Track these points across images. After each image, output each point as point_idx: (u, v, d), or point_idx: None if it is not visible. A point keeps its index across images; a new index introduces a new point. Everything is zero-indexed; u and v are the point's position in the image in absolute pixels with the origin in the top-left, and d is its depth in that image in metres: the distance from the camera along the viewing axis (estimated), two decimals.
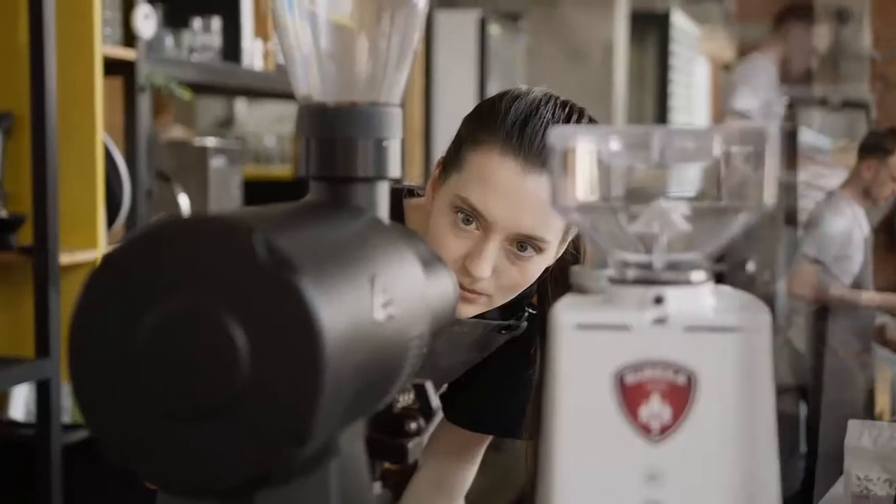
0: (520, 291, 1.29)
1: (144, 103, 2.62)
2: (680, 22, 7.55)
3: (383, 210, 0.81)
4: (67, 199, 2.41)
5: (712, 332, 0.66)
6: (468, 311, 1.28)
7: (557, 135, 0.69)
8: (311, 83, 0.81)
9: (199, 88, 3.13)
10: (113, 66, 2.58)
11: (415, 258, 0.77)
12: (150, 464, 0.62)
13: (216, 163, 2.97)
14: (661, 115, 7.46)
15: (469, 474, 1.54)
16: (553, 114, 1.25)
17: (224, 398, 0.60)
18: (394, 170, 0.81)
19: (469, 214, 1.23)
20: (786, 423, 4.73)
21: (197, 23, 2.96)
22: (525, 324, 1.41)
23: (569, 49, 5.48)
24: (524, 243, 1.24)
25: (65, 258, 2.38)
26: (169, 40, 2.88)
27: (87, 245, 2.47)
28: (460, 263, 1.24)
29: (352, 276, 0.66)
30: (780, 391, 5.09)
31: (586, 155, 0.70)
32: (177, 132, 4.12)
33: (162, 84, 2.58)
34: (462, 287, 1.24)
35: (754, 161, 0.68)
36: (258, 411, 0.60)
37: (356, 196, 0.80)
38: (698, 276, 0.69)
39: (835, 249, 4.09)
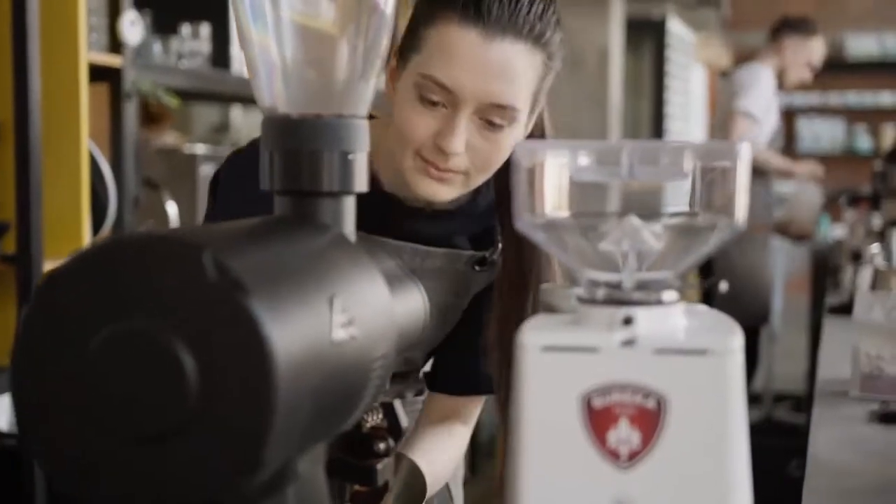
0: (494, 169, 1.27)
1: (131, 110, 2.60)
2: (676, 28, 7.53)
3: (349, 225, 0.79)
4: (52, 206, 2.39)
5: (683, 354, 0.64)
6: (446, 192, 1.26)
7: (523, 150, 0.67)
8: (275, 94, 0.79)
9: (188, 95, 3.10)
10: (99, 73, 2.56)
11: (380, 275, 0.75)
12: (95, 489, 0.59)
13: (206, 170, 2.94)
14: (658, 122, 7.45)
15: (463, 440, 1.48)
16: None
17: (172, 423, 0.57)
18: (360, 184, 0.79)
19: (434, 92, 1.21)
20: None
21: (185, 29, 2.94)
22: (498, 259, 1.39)
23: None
24: (493, 120, 1.22)
25: (49, 266, 2.36)
26: (157, 46, 2.86)
27: (72, 253, 2.44)
28: (431, 143, 1.23)
29: (309, 295, 0.63)
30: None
31: (554, 170, 0.68)
32: (170, 138, 4.10)
33: (148, 91, 2.56)
34: (437, 167, 1.23)
35: (726, 178, 0.66)
36: (208, 437, 0.57)
37: (321, 211, 0.77)
38: (669, 295, 0.67)
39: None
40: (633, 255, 0.67)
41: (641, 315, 0.65)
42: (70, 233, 2.42)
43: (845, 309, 2.80)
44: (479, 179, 1.27)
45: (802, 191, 4.95)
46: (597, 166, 0.67)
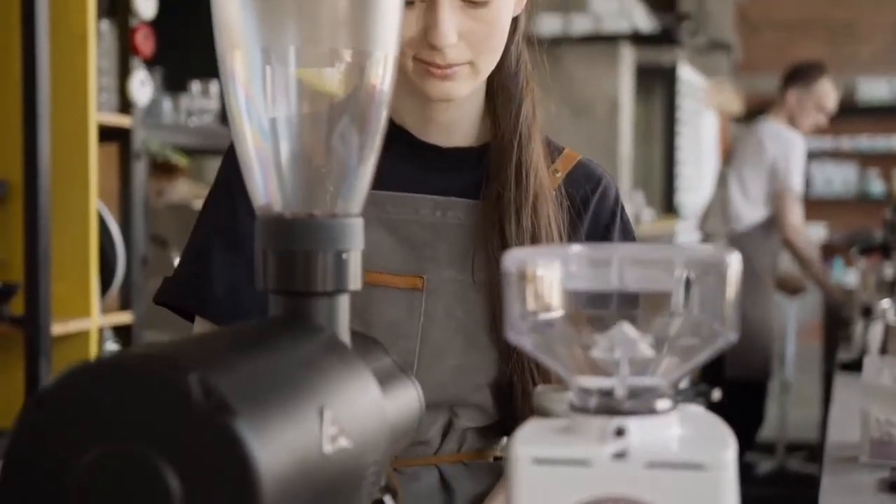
0: (498, 49, 1.20)
1: (140, 170, 2.61)
2: (687, 75, 7.55)
3: (343, 324, 0.78)
4: (60, 267, 2.40)
5: (675, 468, 0.63)
6: (458, 88, 1.20)
7: (512, 258, 0.67)
8: (269, 193, 0.79)
9: (198, 151, 3.12)
10: (109, 133, 2.58)
11: (372, 378, 0.75)
12: None
13: None
14: (669, 168, 7.45)
15: None
16: None
17: None
18: (354, 282, 0.79)
19: None
20: None
21: (195, 86, 2.96)
22: None
23: (574, 104, 5.47)
24: None
25: (57, 328, 2.36)
26: (167, 104, 2.88)
27: (81, 314, 2.45)
28: (424, 42, 1.17)
29: (298, 409, 0.63)
30: None
31: (544, 277, 0.67)
32: (184, 188, 4.11)
33: (157, 150, 2.57)
34: (437, 66, 1.17)
35: (718, 286, 0.65)
36: None
37: (315, 311, 0.77)
38: (663, 404, 0.67)
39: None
40: (625, 363, 0.67)
41: (634, 425, 0.65)
42: (79, 293, 2.42)
43: (856, 366, 2.77)
44: (487, 64, 1.21)
45: None
46: (586, 273, 0.67)
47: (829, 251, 9.99)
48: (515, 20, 1.26)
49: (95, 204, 2.45)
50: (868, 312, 3.14)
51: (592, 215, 1.30)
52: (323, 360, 0.71)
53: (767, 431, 6.20)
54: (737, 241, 4.45)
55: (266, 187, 0.79)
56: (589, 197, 1.31)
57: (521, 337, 0.68)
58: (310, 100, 0.77)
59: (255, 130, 0.78)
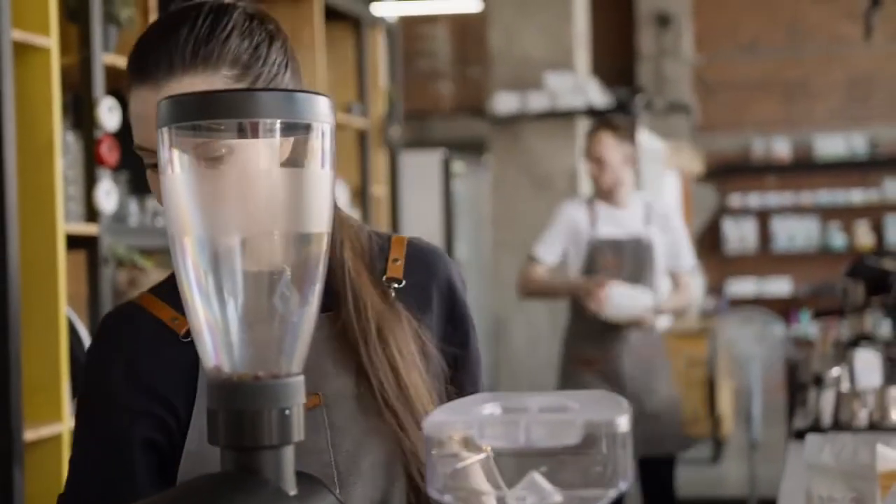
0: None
1: (107, 275, 2.69)
2: (646, 140, 7.72)
3: (288, 473, 0.87)
4: (31, 374, 2.46)
5: None
6: None
7: (432, 424, 0.76)
8: (218, 356, 0.88)
9: (166, 250, 3.21)
10: (76, 241, 2.66)
11: None
12: None
13: None
14: None
15: None
16: (167, 19, 1.21)
17: None
18: (297, 433, 0.87)
19: (148, 157, 1.18)
20: None
21: None
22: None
23: (534, 177, 5.60)
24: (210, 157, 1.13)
25: (30, 434, 2.42)
26: (133, 206, 2.97)
27: (52, 419, 2.51)
28: None
29: None
30: None
31: (462, 438, 0.76)
32: (154, 279, 4.18)
33: (124, 255, 2.66)
34: None
35: (612, 444, 0.75)
36: None
37: (263, 463, 0.86)
38: None
39: None
40: None
41: None
42: (49, 400, 2.49)
43: (812, 432, 2.85)
44: None
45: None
46: (497, 434, 0.76)
47: (795, 304, 10.18)
48: None
49: (64, 311, 2.53)
50: (819, 381, 3.23)
51: (437, 295, 1.33)
52: None
53: (739, 489, 6.27)
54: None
55: (215, 352, 0.88)
56: (430, 279, 1.33)
57: (442, 494, 0.77)
58: (253, 278, 0.86)
59: (204, 303, 0.87)
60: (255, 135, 0.86)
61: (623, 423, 0.74)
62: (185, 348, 1.24)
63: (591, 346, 4.02)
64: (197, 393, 1.24)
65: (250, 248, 0.87)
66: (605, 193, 3.99)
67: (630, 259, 4.00)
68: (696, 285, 4.10)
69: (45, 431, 2.48)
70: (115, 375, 1.26)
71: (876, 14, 4.93)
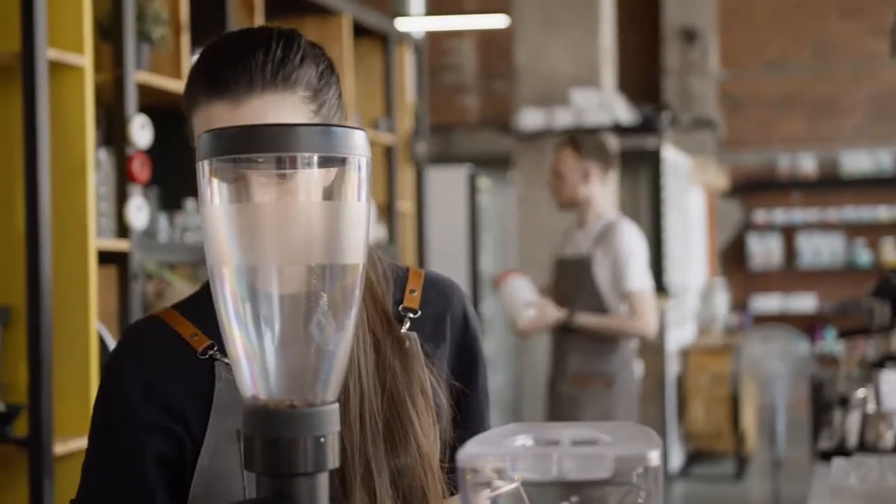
0: None
1: (137, 290, 2.72)
2: (671, 156, 7.72)
3: (322, 500, 0.88)
4: (62, 388, 2.49)
5: None
6: None
7: (467, 457, 0.77)
8: (255, 386, 0.90)
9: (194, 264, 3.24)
10: (107, 257, 2.69)
11: None
12: None
13: None
14: (657, 248, 7.58)
15: None
16: (236, 38, 1.23)
17: None
18: (332, 461, 0.89)
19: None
20: None
21: (190, 204, 3.09)
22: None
23: None
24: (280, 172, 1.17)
25: (59, 448, 2.45)
26: (163, 221, 3.00)
27: (82, 433, 2.54)
28: None
29: None
30: None
31: (494, 470, 0.78)
32: (181, 290, 4.21)
33: (154, 271, 2.69)
34: None
35: (644, 478, 0.76)
36: None
37: (297, 490, 0.88)
38: None
39: None
40: None
41: None
42: (80, 414, 2.52)
43: (836, 455, 2.84)
44: None
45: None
46: (530, 468, 0.77)
47: (819, 321, 10.13)
48: None
49: (95, 326, 2.56)
50: (845, 402, 3.22)
51: (451, 327, 1.35)
52: None
53: None
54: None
55: (252, 379, 0.90)
56: (445, 311, 1.35)
57: None
58: (290, 307, 0.88)
59: (242, 332, 0.89)
60: (293, 168, 0.88)
61: (655, 457, 0.75)
62: (202, 365, 1.26)
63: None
64: (211, 410, 1.25)
65: (287, 277, 0.89)
66: (564, 208, 4.06)
67: (570, 278, 4.00)
68: (650, 311, 3.87)
69: (74, 445, 2.51)
70: (131, 388, 1.27)
71: None
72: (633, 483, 0.76)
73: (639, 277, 3.90)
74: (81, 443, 2.54)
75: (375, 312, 1.29)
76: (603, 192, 4.02)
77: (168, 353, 1.28)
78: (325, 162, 0.89)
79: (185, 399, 1.26)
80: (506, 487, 0.80)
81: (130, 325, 1.36)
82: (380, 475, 1.23)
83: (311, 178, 0.88)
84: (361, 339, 1.27)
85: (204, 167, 0.88)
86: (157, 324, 1.31)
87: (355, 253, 0.89)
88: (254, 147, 0.88)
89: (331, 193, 0.90)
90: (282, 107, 1.20)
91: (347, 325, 0.91)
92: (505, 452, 0.78)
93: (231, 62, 1.21)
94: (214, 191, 0.89)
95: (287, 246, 0.89)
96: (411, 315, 1.31)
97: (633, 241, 3.95)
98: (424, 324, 1.32)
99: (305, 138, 0.87)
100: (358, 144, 0.89)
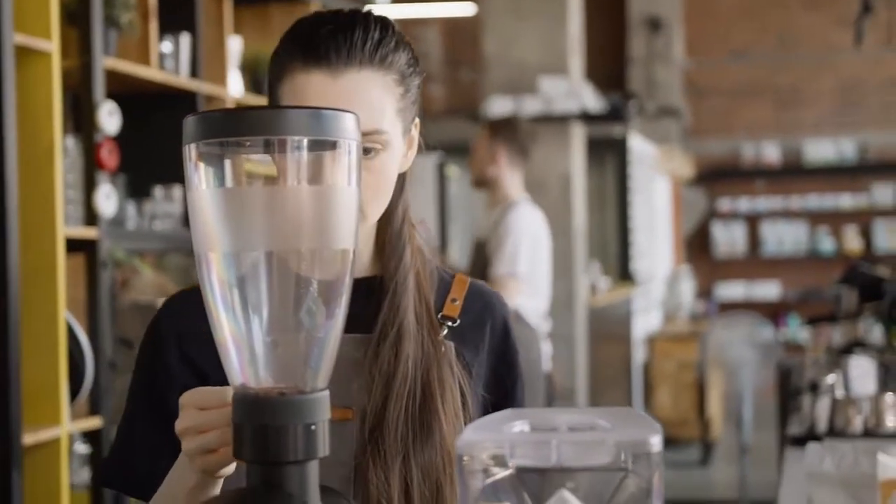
0: (386, 196, 1.25)
1: (106, 278, 2.69)
2: (637, 144, 7.74)
3: (313, 488, 0.87)
4: (30, 377, 2.46)
5: None
6: None
7: (465, 444, 0.76)
8: (244, 374, 0.88)
9: (163, 252, 3.21)
10: (75, 245, 2.66)
11: None
12: None
13: None
14: (623, 236, 7.60)
15: None
16: (334, 14, 1.24)
17: None
18: (323, 449, 0.88)
19: None
20: None
21: (159, 192, 3.05)
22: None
23: (527, 182, 5.59)
24: (364, 146, 1.17)
25: (28, 438, 2.42)
26: (131, 209, 2.96)
27: (51, 422, 2.51)
28: None
29: None
30: None
31: (492, 456, 0.77)
32: (148, 278, 4.17)
33: (123, 258, 2.66)
34: None
35: (644, 464, 0.75)
36: None
37: (287, 478, 0.86)
38: None
39: None
40: None
41: None
42: (48, 403, 2.48)
43: (806, 440, 2.85)
44: (375, 211, 1.25)
45: None
46: (529, 455, 0.76)
47: (783, 308, 10.21)
48: (402, 176, 1.31)
49: (64, 314, 2.52)
50: (815, 387, 3.24)
51: (490, 338, 1.35)
52: None
53: (727, 492, 6.29)
54: None
55: (241, 367, 0.88)
56: (484, 322, 1.35)
57: None
58: (279, 293, 0.87)
59: (230, 319, 0.88)
60: (282, 152, 0.86)
61: (656, 442, 0.75)
62: None
63: None
64: None
65: (276, 263, 0.87)
66: (475, 187, 4.17)
67: (476, 260, 4.07)
68: (507, 298, 3.77)
69: (43, 435, 2.48)
70: (167, 351, 1.27)
71: (866, 21, 4.95)
72: (630, 469, 0.75)
73: (506, 262, 3.87)
74: (51, 433, 2.51)
75: (421, 309, 1.29)
76: (511, 175, 4.05)
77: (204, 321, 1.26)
78: (315, 146, 0.87)
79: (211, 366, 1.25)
80: (502, 474, 0.79)
81: (174, 294, 1.36)
82: (408, 468, 1.23)
83: (300, 162, 0.86)
84: (412, 333, 1.26)
85: (190, 151, 0.87)
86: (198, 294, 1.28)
87: (345, 238, 0.88)
88: (241, 130, 0.86)
89: (320, 177, 0.88)
90: (376, 84, 1.21)
91: (338, 312, 0.89)
92: (504, 439, 0.77)
93: (331, 34, 1.21)
94: (201, 175, 0.87)
95: (276, 231, 0.87)
96: (449, 324, 1.31)
97: (519, 225, 3.94)
98: (464, 332, 1.32)
99: (294, 121, 0.86)
100: (348, 128, 0.88)
